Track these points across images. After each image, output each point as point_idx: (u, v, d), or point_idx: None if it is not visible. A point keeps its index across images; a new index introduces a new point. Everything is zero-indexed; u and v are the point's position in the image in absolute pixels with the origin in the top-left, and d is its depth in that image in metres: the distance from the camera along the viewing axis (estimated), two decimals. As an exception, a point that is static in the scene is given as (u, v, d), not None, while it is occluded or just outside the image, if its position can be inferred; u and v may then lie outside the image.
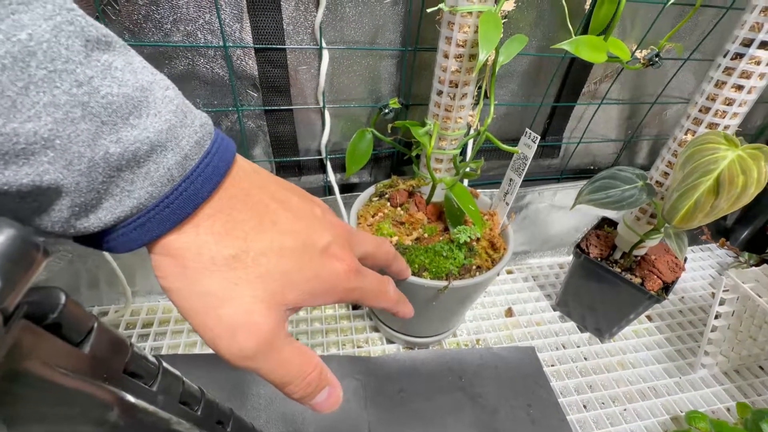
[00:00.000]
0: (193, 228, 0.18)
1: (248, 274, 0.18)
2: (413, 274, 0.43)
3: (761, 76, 0.38)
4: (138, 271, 0.56)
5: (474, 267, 0.45)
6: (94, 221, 0.16)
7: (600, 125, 0.65)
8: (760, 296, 0.49)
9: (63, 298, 0.14)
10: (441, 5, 0.38)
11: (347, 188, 0.59)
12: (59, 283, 0.52)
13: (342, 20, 0.44)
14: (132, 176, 0.16)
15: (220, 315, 0.18)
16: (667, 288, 0.51)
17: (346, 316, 0.60)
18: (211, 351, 0.19)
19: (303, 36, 0.44)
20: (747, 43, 0.37)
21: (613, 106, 0.63)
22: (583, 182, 0.65)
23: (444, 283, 0.41)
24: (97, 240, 0.17)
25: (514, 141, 0.63)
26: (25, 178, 0.13)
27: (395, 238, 0.47)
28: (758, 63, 0.37)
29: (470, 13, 0.37)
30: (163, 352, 0.53)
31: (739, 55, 0.38)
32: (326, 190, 0.58)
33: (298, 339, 0.56)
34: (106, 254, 0.49)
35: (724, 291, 0.51)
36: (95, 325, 0.16)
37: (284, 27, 0.43)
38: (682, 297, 0.70)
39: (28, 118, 0.13)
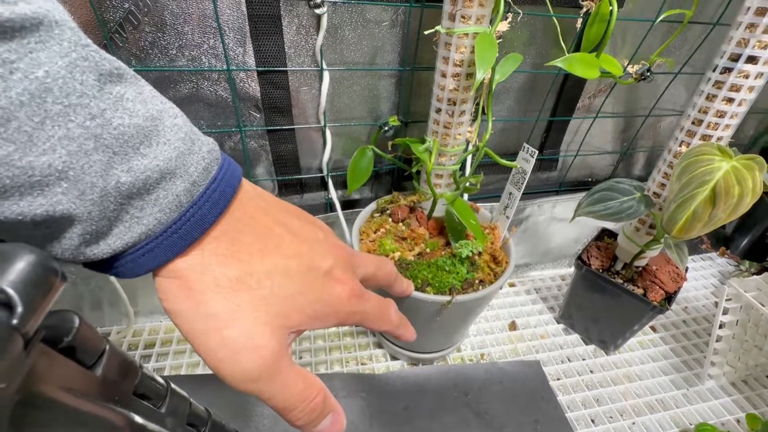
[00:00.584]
0: (198, 251, 0.18)
1: (252, 297, 0.18)
2: (416, 289, 0.43)
3: (750, 89, 0.39)
4: (140, 290, 0.56)
5: (477, 281, 0.45)
6: (104, 248, 0.16)
7: (596, 138, 0.66)
8: (763, 305, 0.49)
9: (77, 321, 0.15)
10: (438, 27, 0.39)
11: (349, 204, 0.60)
12: (62, 306, 0.52)
13: (342, 42, 0.46)
14: (142, 203, 0.16)
15: (223, 337, 0.18)
16: (669, 298, 0.51)
17: (350, 332, 0.59)
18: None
19: (304, 58, 0.46)
20: (735, 58, 0.38)
21: (609, 120, 0.65)
22: (582, 194, 0.66)
23: (447, 297, 0.41)
24: (105, 266, 0.17)
25: (513, 155, 0.64)
26: (39, 209, 0.13)
27: (397, 254, 0.47)
28: (747, 77, 0.38)
29: (466, 34, 0.38)
30: (166, 372, 0.53)
31: (727, 69, 0.39)
32: (328, 207, 0.58)
33: (301, 357, 0.56)
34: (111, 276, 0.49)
35: (726, 300, 0.51)
36: (107, 347, 0.16)
37: (286, 50, 0.44)
38: (686, 307, 0.70)
39: (44, 152, 0.13)
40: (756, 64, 0.37)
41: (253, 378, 0.18)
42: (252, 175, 0.53)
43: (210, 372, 0.54)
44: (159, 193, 0.16)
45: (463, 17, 0.37)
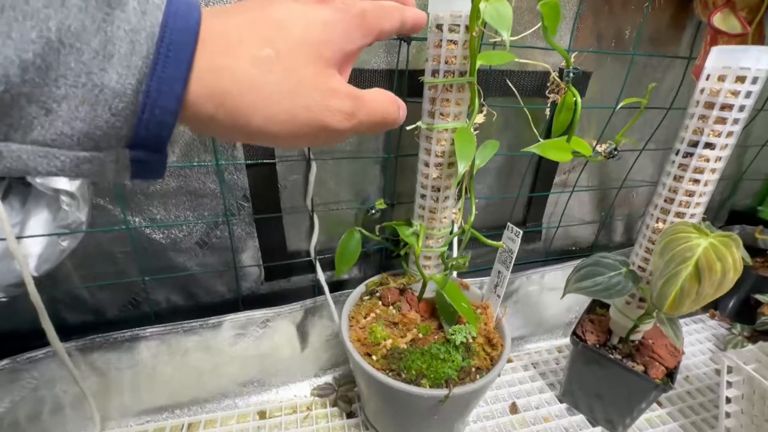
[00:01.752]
0: (211, 55, 0.17)
1: (296, 61, 0.19)
2: (411, 382, 0.41)
3: (712, 170, 0.42)
4: (113, 389, 0.51)
5: (473, 369, 0.43)
6: (124, 73, 0.15)
7: (575, 209, 0.69)
8: (765, 378, 0.48)
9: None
10: (419, 123, 0.42)
11: (336, 286, 0.59)
12: (21, 412, 0.47)
13: (328, 134, 0.48)
14: (125, 15, 0.15)
15: (304, 104, 0.19)
16: (671, 374, 0.50)
17: (341, 426, 0.55)
18: None
19: (292, 150, 0.47)
20: (693, 144, 0.42)
21: (585, 192, 0.68)
22: (568, 263, 0.66)
23: (444, 391, 0.39)
24: (150, 130, 0.16)
25: (497, 228, 0.65)
26: (32, 32, 0.14)
27: (389, 341, 0.45)
28: (707, 160, 0.41)
29: (446, 129, 0.41)
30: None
31: (689, 154, 0.42)
32: (315, 290, 0.57)
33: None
34: (75, 375, 0.45)
35: (728, 373, 0.50)
36: None
37: (274, 143, 0.46)
38: (687, 376, 0.68)
39: None
40: (713, 149, 0.41)
41: (351, 111, 0.20)
42: (238, 262, 0.52)
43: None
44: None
45: (442, 114, 0.40)
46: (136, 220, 0.45)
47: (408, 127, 0.42)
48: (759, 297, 0.71)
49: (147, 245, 0.47)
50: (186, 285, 0.52)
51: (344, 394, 0.59)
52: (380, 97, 0.22)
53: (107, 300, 0.50)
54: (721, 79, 0.38)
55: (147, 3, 0.16)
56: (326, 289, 0.53)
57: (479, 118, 0.44)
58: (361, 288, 0.53)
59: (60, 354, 0.43)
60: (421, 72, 0.41)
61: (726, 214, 0.89)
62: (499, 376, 0.44)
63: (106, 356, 0.48)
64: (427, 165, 0.43)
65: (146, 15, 0.16)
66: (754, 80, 0.37)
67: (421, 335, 0.47)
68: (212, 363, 0.53)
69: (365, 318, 0.48)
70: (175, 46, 0.16)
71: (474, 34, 0.34)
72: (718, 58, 0.38)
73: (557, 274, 0.67)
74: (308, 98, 0.19)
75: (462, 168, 0.36)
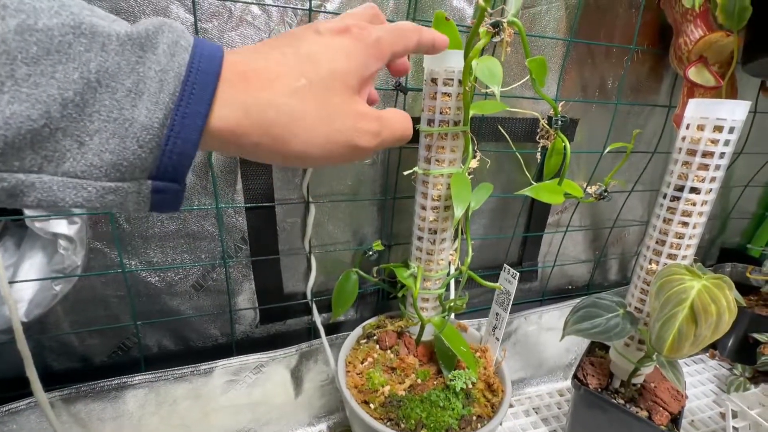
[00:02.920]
0: (234, 93, 0.19)
1: (327, 90, 0.21)
2: (410, 432, 0.39)
3: (700, 213, 0.43)
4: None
5: (474, 417, 0.42)
6: (153, 108, 0.17)
7: (570, 248, 0.70)
8: (770, 423, 0.47)
9: None
10: (415, 169, 0.43)
11: (333, 328, 0.58)
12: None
13: (327, 176, 0.49)
14: (155, 57, 0.17)
15: (338, 128, 0.21)
16: (675, 419, 0.49)
17: (335, 481, 0.52)
18: None
19: (291, 192, 0.48)
20: (679, 188, 0.43)
21: (579, 232, 0.69)
22: (566, 302, 0.66)
23: (445, 442, 0.38)
24: (172, 161, 0.18)
25: (493, 269, 0.66)
26: (74, 73, 0.15)
27: (387, 387, 0.44)
28: (694, 204, 0.43)
29: (442, 174, 0.42)
30: None
31: (676, 198, 0.44)
32: (311, 333, 0.56)
33: None
34: (56, 428, 0.43)
35: (733, 419, 0.49)
36: None
37: (274, 186, 0.47)
38: (692, 420, 0.66)
39: (51, 16, 0.15)
40: (699, 193, 0.42)
41: (377, 131, 0.23)
42: (234, 305, 0.51)
43: None
44: (161, 40, 0.17)
45: (437, 160, 0.42)
46: (133, 263, 0.45)
47: (405, 173, 0.43)
48: (757, 336, 0.71)
49: (142, 288, 0.46)
50: (179, 329, 0.51)
51: (339, 444, 0.56)
52: (398, 116, 0.25)
53: (96, 345, 0.48)
54: (701, 128, 0.41)
55: (176, 46, 0.18)
56: (322, 332, 0.52)
57: (473, 163, 0.46)
58: (358, 331, 0.52)
59: (43, 406, 0.41)
60: (417, 120, 0.43)
61: (716, 252, 0.90)
62: (500, 425, 0.43)
63: (90, 406, 0.46)
64: (423, 208, 0.44)
65: (174, 57, 0.17)
66: (731, 130, 0.39)
67: (419, 381, 0.45)
68: (202, 412, 0.51)
69: (362, 363, 0.47)
70: (199, 85, 0.18)
71: (467, 88, 0.36)
72: (697, 110, 0.41)
73: (554, 314, 0.67)
74: (340, 123, 0.21)
75: (459, 212, 0.36)
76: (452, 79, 0.38)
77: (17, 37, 0.14)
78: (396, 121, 0.25)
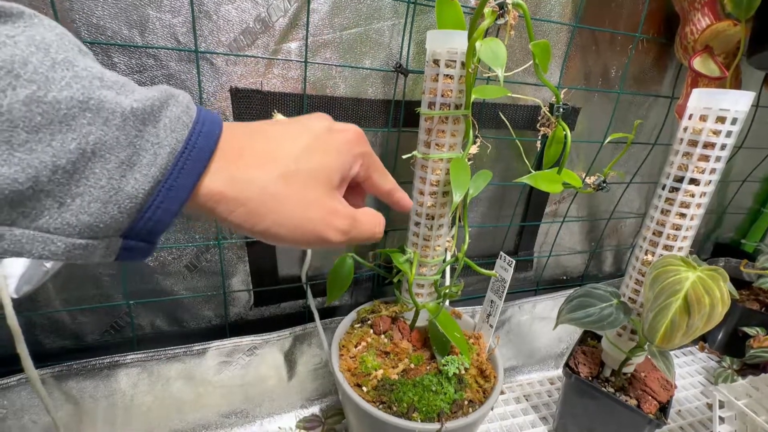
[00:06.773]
0: (226, 165, 0.20)
1: (312, 180, 0.22)
2: (402, 415, 0.39)
3: (698, 205, 0.43)
4: (85, 422, 0.49)
5: (466, 401, 0.42)
6: (141, 180, 0.17)
7: (566, 239, 0.70)
8: (756, 413, 0.47)
9: None
10: (415, 153, 0.42)
11: (327, 312, 0.57)
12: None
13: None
14: (156, 130, 0.18)
15: (311, 218, 0.22)
16: (664, 408, 0.50)
17: (327, 462, 0.52)
18: None
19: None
20: (679, 179, 0.43)
21: (575, 222, 0.69)
22: (560, 293, 0.66)
23: (436, 425, 0.38)
24: (148, 226, 0.18)
25: (489, 257, 0.66)
26: (71, 143, 0.15)
27: (381, 371, 0.44)
28: (692, 195, 0.42)
29: (441, 159, 0.41)
30: None
31: (675, 189, 0.43)
32: (306, 316, 0.56)
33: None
34: (47, 404, 0.43)
35: (720, 409, 0.49)
36: None
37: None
38: (679, 410, 0.67)
39: (62, 88, 0.15)
40: (698, 185, 0.42)
41: (346, 229, 0.24)
42: (228, 286, 0.51)
43: None
44: (165, 114, 0.18)
45: (437, 145, 0.41)
46: (125, 241, 0.44)
47: (404, 156, 0.42)
48: (746, 330, 0.72)
49: (135, 267, 0.46)
50: (172, 309, 0.51)
51: (332, 426, 0.56)
52: (370, 218, 0.26)
53: (88, 324, 0.48)
54: (703, 118, 0.40)
55: (177, 122, 0.18)
56: (317, 315, 0.52)
57: (473, 149, 0.45)
58: (352, 315, 0.52)
59: (34, 382, 0.41)
60: (417, 103, 0.42)
61: (711, 246, 0.91)
62: (492, 409, 0.43)
63: (81, 384, 0.46)
64: (422, 193, 0.44)
65: (174, 132, 0.18)
66: (734, 121, 0.39)
67: (412, 365, 0.46)
68: (195, 393, 0.51)
69: (356, 347, 0.47)
70: (192, 161, 0.18)
71: (470, 70, 0.35)
72: (700, 100, 0.40)
73: (548, 304, 0.67)
74: (314, 213, 0.22)
75: (457, 197, 0.36)
76: (455, 61, 0.37)
77: (23, 107, 0.14)
78: (366, 223, 0.26)
